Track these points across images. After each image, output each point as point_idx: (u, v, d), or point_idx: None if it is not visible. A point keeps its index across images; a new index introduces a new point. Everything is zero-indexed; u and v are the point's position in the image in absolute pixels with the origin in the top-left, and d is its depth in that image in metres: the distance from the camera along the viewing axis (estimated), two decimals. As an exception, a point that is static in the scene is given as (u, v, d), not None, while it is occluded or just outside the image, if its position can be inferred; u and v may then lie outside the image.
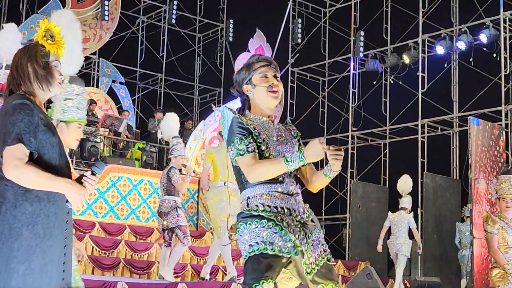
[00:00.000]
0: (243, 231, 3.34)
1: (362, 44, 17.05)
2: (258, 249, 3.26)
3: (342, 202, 17.17)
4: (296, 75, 18.37)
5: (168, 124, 9.70)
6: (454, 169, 15.95)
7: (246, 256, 3.30)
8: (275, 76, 3.50)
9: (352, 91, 17.44)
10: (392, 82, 17.25)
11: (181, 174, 9.23)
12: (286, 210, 3.37)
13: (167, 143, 15.06)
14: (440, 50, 15.65)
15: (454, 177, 15.75)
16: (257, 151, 3.37)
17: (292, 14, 18.19)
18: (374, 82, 17.38)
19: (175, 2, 18.27)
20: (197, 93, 19.79)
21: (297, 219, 3.39)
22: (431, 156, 15.63)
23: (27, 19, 14.93)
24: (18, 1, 15.63)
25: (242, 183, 3.44)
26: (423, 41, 16.03)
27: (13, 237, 2.77)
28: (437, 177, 14.80)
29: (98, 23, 15.72)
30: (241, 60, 16.47)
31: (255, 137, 3.39)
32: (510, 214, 6.92)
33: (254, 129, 3.41)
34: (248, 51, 16.77)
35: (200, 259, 11.95)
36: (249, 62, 3.55)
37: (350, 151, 17.13)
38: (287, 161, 3.22)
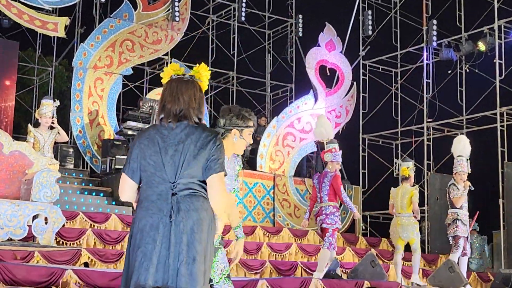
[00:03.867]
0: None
1: (435, 33, 16.66)
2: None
3: (420, 194, 16.79)
4: (367, 67, 18.13)
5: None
6: (536, 157, 15.47)
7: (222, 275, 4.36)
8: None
9: (426, 82, 17.10)
10: (467, 70, 16.85)
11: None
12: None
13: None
14: (517, 35, 15.20)
15: (536, 166, 15.26)
16: None
17: (362, 6, 17.97)
18: (449, 71, 17.01)
19: (244, 0, 18.31)
20: (269, 90, 19.78)
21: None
22: (511, 145, 15.20)
23: (100, 23, 15.22)
24: (91, 6, 15.94)
25: None
26: (499, 27, 15.59)
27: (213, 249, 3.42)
28: (518, 166, 14.38)
29: (169, 24, 15.88)
30: (312, 55, 16.43)
31: None
32: None
33: None
34: (319, 45, 16.67)
35: (278, 255, 11.93)
36: (243, 114, 4.25)
37: (426, 142, 16.83)
38: None
